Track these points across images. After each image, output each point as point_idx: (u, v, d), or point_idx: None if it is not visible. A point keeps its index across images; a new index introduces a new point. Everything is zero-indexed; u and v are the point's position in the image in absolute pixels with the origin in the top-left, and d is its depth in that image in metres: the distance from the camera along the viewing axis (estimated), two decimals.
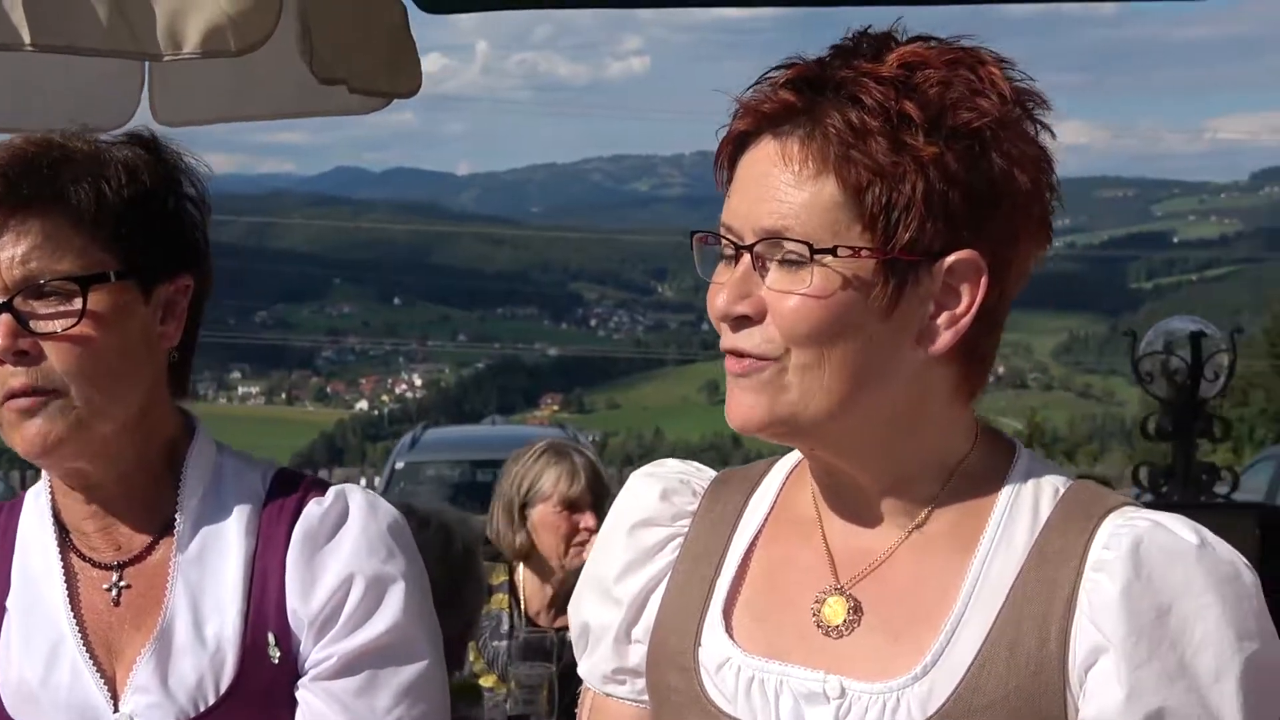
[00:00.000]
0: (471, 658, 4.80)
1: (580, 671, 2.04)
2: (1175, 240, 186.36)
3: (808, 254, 1.72)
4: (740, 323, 1.78)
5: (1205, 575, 1.73)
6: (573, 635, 2.05)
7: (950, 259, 1.74)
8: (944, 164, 1.71)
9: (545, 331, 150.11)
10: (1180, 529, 1.76)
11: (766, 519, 1.94)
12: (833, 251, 1.72)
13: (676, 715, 1.89)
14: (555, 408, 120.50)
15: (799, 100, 1.75)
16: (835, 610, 1.83)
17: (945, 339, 1.76)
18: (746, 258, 1.77)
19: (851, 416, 1.78)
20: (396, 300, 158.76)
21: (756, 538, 1.93)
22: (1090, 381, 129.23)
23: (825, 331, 1.74)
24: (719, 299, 1.78)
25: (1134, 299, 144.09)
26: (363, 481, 22.03)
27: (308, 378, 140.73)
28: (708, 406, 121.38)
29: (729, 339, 1.79)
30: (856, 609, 1.82)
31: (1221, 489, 7.50)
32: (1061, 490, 1.84)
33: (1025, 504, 1.83)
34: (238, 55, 2.88)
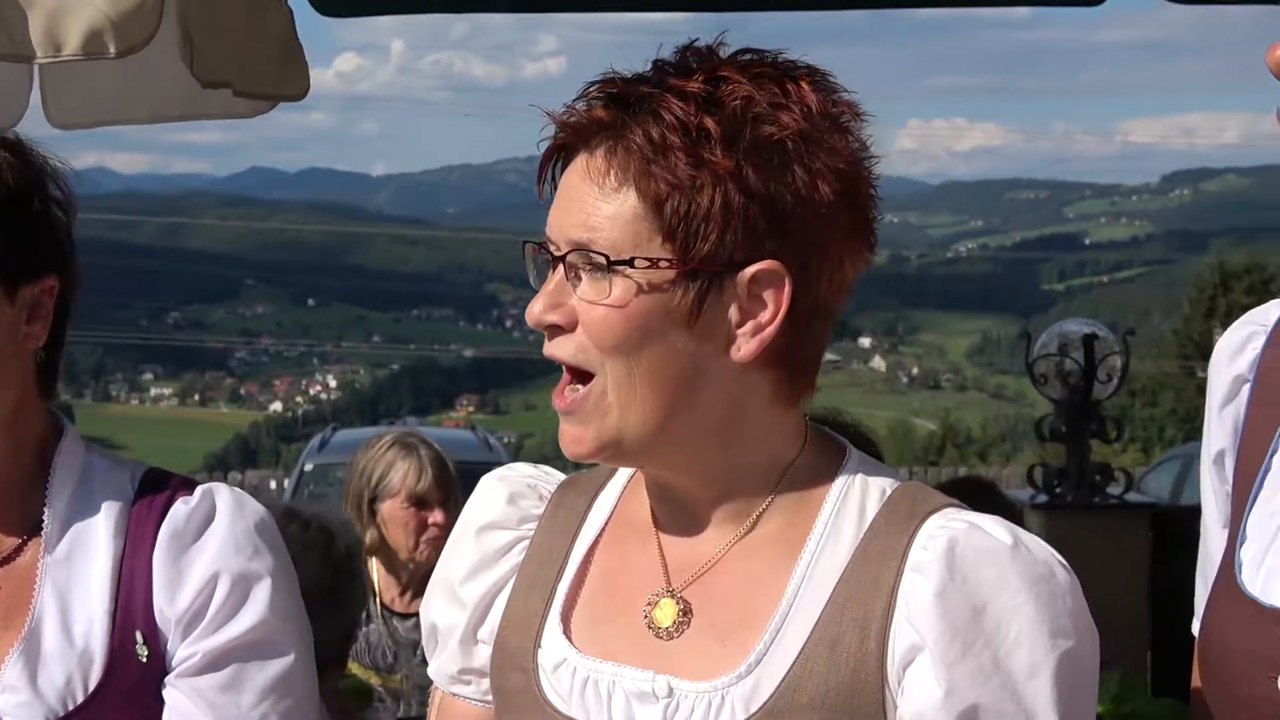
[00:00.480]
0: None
1: (429, 671, 2.08)
2: (1087, 242, 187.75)
3: (606, 264, 1.78)
4: (554, 331, 1.84)
5: (1019, 575, 1.76)
6: (423, 636, 2.09)
7: (752, 269, 1.78)
8: (742, 177, 1.75)
9: (461, 333, 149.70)
10: (995, 530, 1.79)
11: (607, 524, 1.98)
12: (630, 263, 1.77)
13: (516, 715, 1.93)
14: (471, 409, 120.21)
15: (607, 116, 1.80)
16: (665, 613, 1.87)
17: (751, 347, 1.80)
18: (560, 268, 1.83)
19: (671, 426, 1.82)
20: (311, 301, 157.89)
21: (596, 542, 1.97)
22: (1003, 382, 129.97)
23: (629, 341, 1.79)
24: (534, 308, 1.85)
25: (1046, 300, 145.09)
26: (273, 484, 21.90)
27: (221, 379, 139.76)
28: None
29: (546, 346, 1.85)
30: (686, 611, 1.86)
31: (1116, 490, 7.59)
32: (889, 492, 1.87)
33: (852, 506, 1.87)
34: (118, 58, 2.88)
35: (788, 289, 1.79)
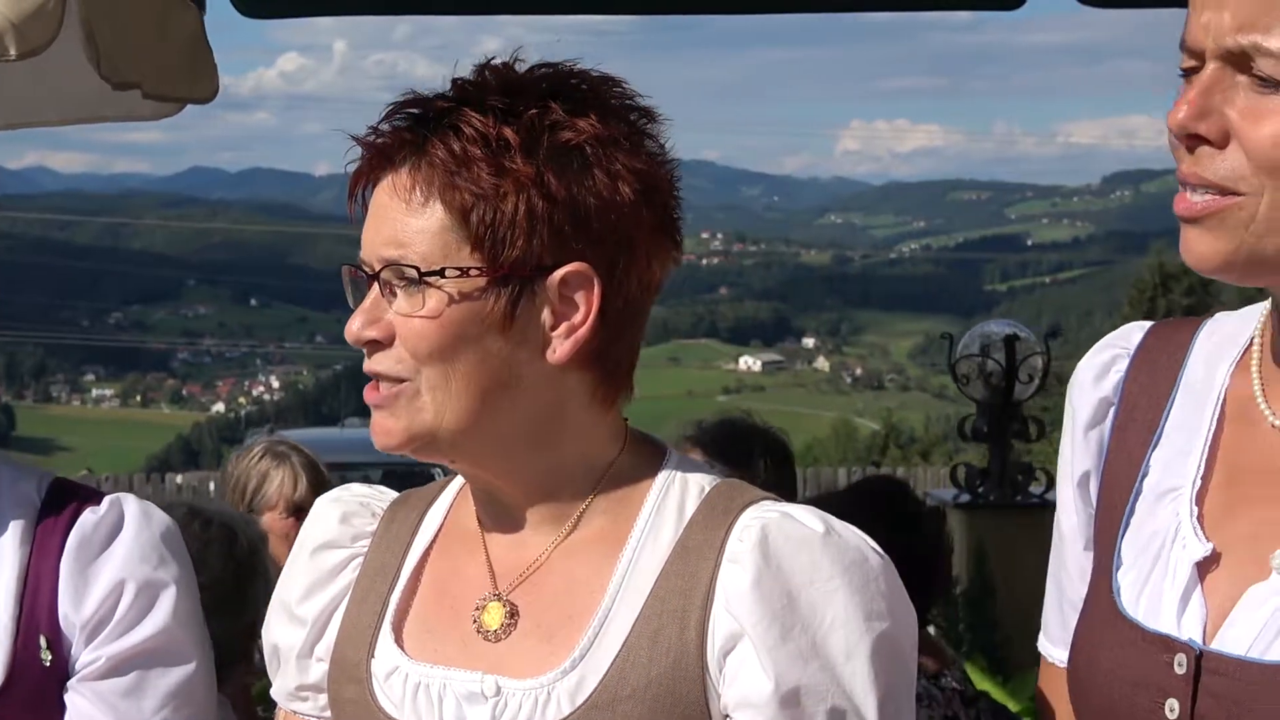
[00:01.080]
0: None
1: (272, 692, 2.12)
2: (1029, 243, 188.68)
3: (418, 277, 1.83)
4: (373, 346, 1.87)
5: (832, 561, 1.81)
6: (265, 657, 2.13)
7: (561, 272, 1.83)
8: (544, 183, 1.81)
9: None
10: (807, 518, 1.84)
11: (437, 534, 2.03)
12: (441, 273, 1.82)
13: None
14: None
15: (410, 134, 1.86)
16: (493, 616, 1.92)
17: (566, 348, 1.85)
18: (375, 285, 1.87)
19: (487, 428, 1.87)
20: (253, 302, 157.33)
21: (428, 553, 2.02)
22: (946, 383, 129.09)
23: (446, 349, 1.83)
24: (353, 325, 1.89)
25: (989, 300, 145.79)
26: (213, 486, 21.80)
27: (163, 380, 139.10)
28: None
29: (367, 363, 1.88)
30: (513, 613, 1.91)
31: (1037, 489, 7.66)
32: (707, 489, 1.92)
33: (672, 503, 1.91)
34: (18, 59, 2.88)
35: (598, 290, 1.85)
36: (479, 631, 1.92)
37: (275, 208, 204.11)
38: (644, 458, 1.96)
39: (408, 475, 15.86)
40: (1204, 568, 1.74)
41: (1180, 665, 1.70)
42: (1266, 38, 1.61)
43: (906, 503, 3.98)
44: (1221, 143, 1.65)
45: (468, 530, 2.00)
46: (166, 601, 2.27)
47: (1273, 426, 1.77)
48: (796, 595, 1.80)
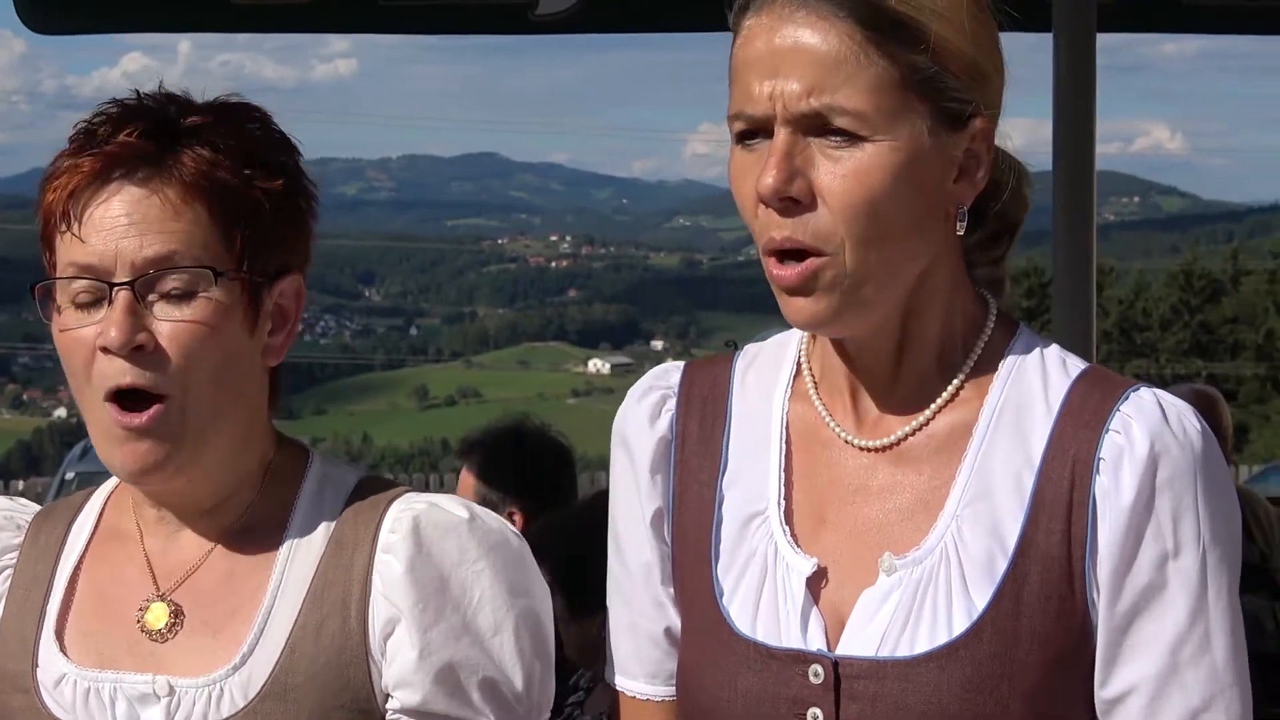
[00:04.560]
0: None
1: None
2: None
3: (196, 284, 1.90)
4: (136, 355, 1.90)
5: (478, 544, 1.97)
6: None
7: (283, 282, 1.99)
8: (273, 194, 1.95)
9: None
10: (452, 506, 1.99)
11: (90, 541, 2.07)
12: (214, 276, 1.90)
13: None
14: None
15: (147, 145, 1.92)
16: (157, 616, 1.98)
17: (279, 351, 2.02)
18: (125, 294, 1.89)
19: (226, 437, 1.97)
20: None
21: (82, 560, 2.06)
22: None
23: (211, 357, 1.91)
24: (111, 336, 1.89)
25: None
26: (51, 494, 21.49)
27: (3, 384, 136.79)
28: (416, 413, 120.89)
29: (127, 375, 1.90)
30: (178, 613, 1.98)
31: None
32: (353, 485, 2.04)
33: (321, 500, 2.02)
34: None
35: (303, 295, 2.02)
36: (144, 633, 1.98)
37: None
38: (293, 457, 2.06)
39: None
40: (813, 581, 1.84)
41: (817, 675, 1.80)
42: (836, 97, 1.72)
43: None
44: (810, 203, 1.75)
45: (124, 534, 2.06)
46: None
47: (846, 443, 1.89)
48: (448, 577, 1.95)
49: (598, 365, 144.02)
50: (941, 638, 1.78)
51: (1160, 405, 1.81)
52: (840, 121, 1.74)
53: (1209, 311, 56.49)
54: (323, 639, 1.94)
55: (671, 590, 1.98)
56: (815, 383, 1.94)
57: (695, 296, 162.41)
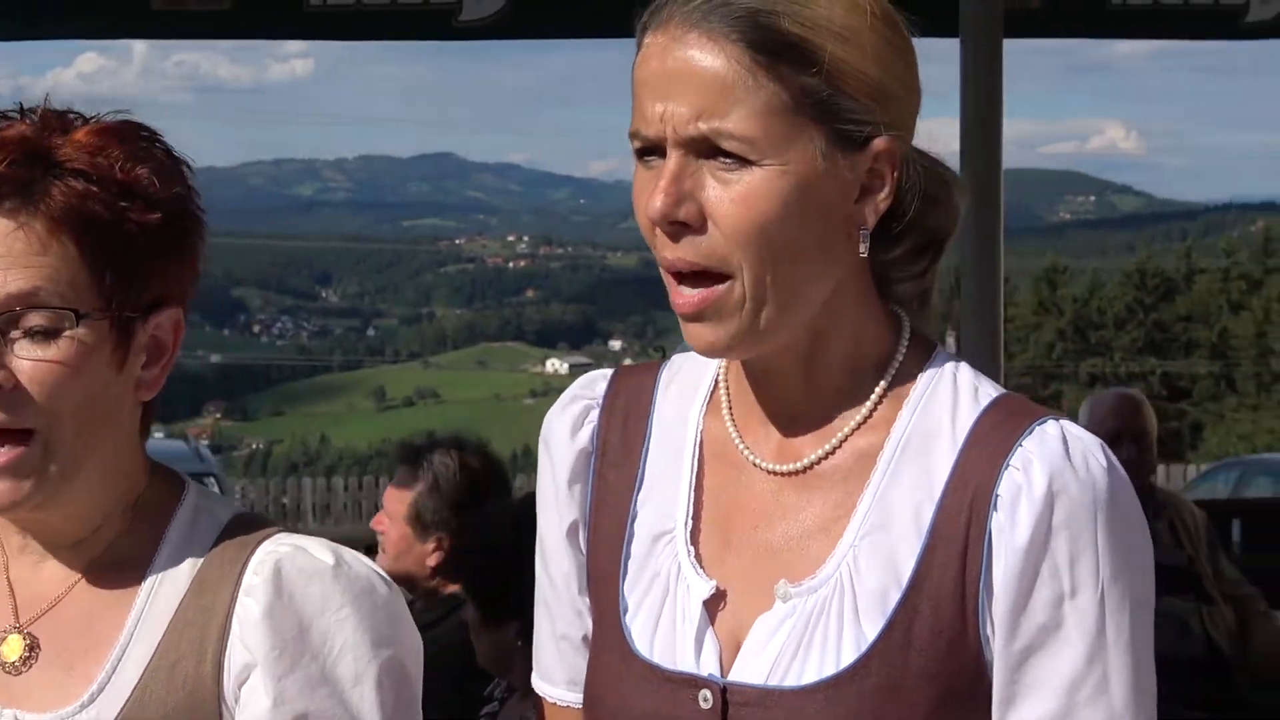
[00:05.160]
0: None
1: None
2: None
3: (60, 322, 1.85)
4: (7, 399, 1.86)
5: (342, 591, 1.91)
6: None
7: (159, 315, 1.94)
8: (149, 227, 1.89)
9: (207, 339, 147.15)
10: (318, 550, 1.93)
11: None
12: (75, 318, 1.85)
13: None
14: (218, 416, 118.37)
15: (20, 172, 1.86)
16: (12, 648, 1.94)
17: (153, 384, 1.96)
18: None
19: (92, 471, 1.92)
20: None
21: None
22: None
23: (74, 395, 1.86)
24: None
25: None
26: None
27: None
28: (374, 413, 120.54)
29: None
30: (34, 646, 1.94)
31: None
32: (225, 521, 1.99)
33: (189, 537, 1.97)
34: None
35: (181, 332, 1.97)
36: None
37: None
38: (166, 489, 2.01)
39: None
40: (711, 605, 1.82)
41: (706, 701, 1.78)
42: (725, 121, 1.70)
43: None
44: (700, 226, 1.74)
45: None
46: None
47: (754, 466, 1.86)
48: (308, 625, 1.88)
49: (556, 365, 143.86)
50: (829, 669, 1.75)
51: (1065, 441, 1.77)
52: (728, 145, 1.72)
53: (1163, 310, 56.68)
54: (175, 680, 1.89)
55: (587, 600, 1.97)
56: (729, 401, 1.92)
57: (653, 296, 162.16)
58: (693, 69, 1.73)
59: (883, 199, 1.80)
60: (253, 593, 1.90)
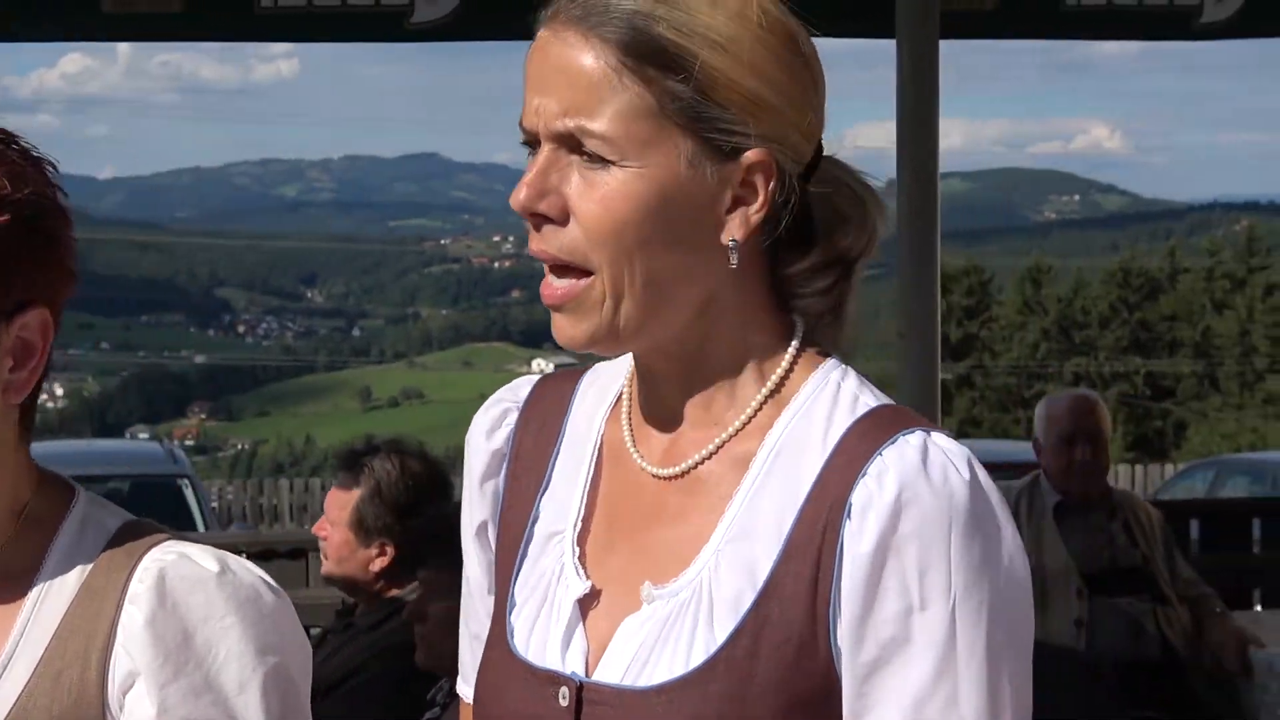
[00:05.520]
0: None
1: None
2: None
3: None
4: None
5: (226, 599, 1.89)
6: None
7: (25, 316, 1.92)
8: (3, 229, 1.87)
9: (192, 339, 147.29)
10: (203, 559, 1.92)
11: None
12: None
13: None
14: (203, 416, 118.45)
15: None
16: None
17: (21, 391, 1.94)
18: None
19: None
20: None
21: None
22: None
23: None
24: None
25: None
26: None
27: None
28: (360, 413, 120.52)
29: None
30: None
31: None
32: (114, 529, 1.97)
33: (76, 545, 1.96)
34: None
35: (51, 332, 1.95)
36: None
37: None
38: (55, 497, 2.00)
39: (155, 486, 15.61)
40: (586, 604, 1.84)
41: (564, 698, 1.79)
42: (589, 120, 1.72)
43: None
44: (562, 220, 1.75)
45: None
46: None
47: (642, 469, 1.87)
48: (192, 633, 1.88)
49: (541, 365, 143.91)
50: (678, 671, 1.75)
51: (925, 451, 1.75)
52: (590, 144, 1.74)
53: (1147, 309, 56.82)
54: (60, 688, 1.88)
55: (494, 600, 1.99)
56: (629, 406, 1.93)
57: None
58: (566, 66, 1.75)
59: (754, 211, 1.79)
60: (137, 601, 1.89)
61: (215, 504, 19.63)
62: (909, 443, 1.75)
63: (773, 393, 1.85)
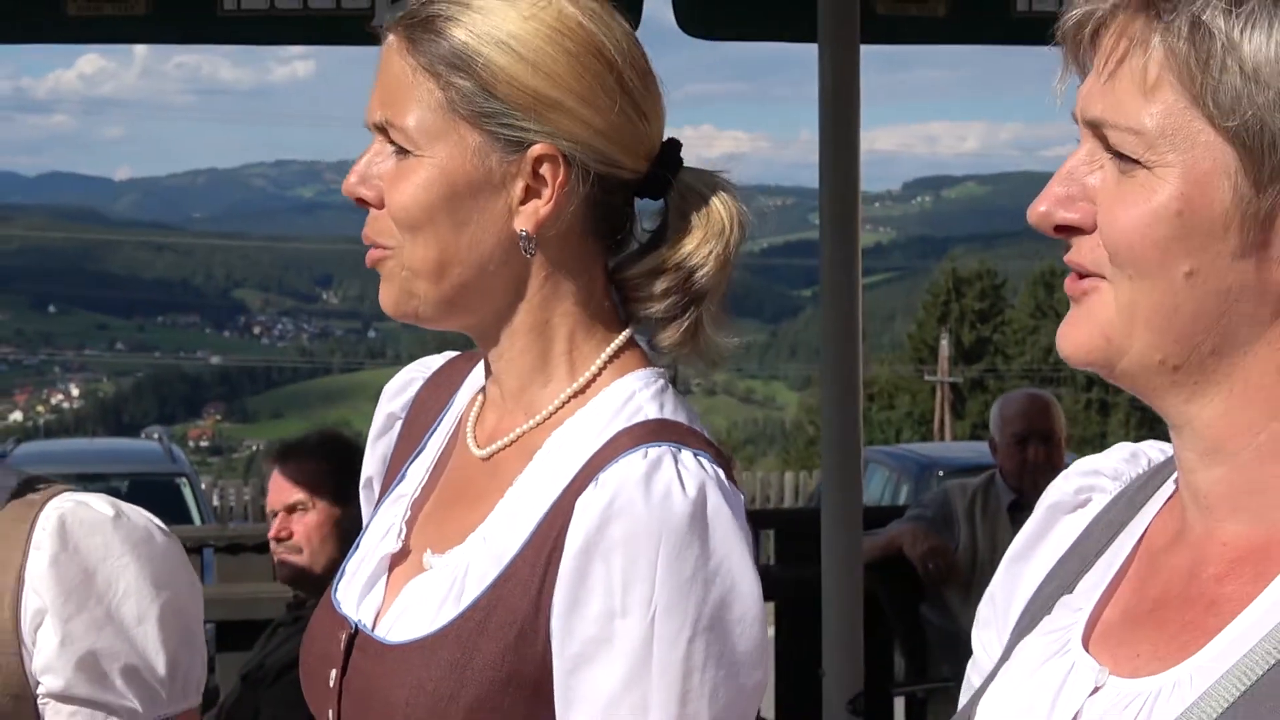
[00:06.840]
0: None
1: None
2: None
3: None
4: None
5: (122, 540, 2.16)
6: None
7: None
8: None
9: (207, 340, 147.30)
10: (99, 505, 2.18)
11: None
12: None
13: None
14: (218, 417, 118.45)
15: None
16: None
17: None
18: None
19: None
20: (51, 309, 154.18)
21: None
22: (752, 386, 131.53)
23: None
24: None
25: (794, 306, 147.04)
26: None
27: None
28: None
29: None
30: None
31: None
32: (12, 486, 2.20)
33: None
34: None
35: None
36: None
37: (75, 213, 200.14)
38: None
39: (154, 485, 15.65)
40: (395, 562, 2.00)
41: (341, 642, 1.96)
42: (393, 114, 1.95)
43: None
44: (379, 204, 1.99)
45: None
46: None
47: (468, 446, 2.03)
48: (93, 572, 2.12)
49: None
50: (415, 634, 1.90)
51: (656, 466, 1.82)
52: (393, 136, 1.94)
53: None
54: None
55: None
56: (484, 399, 2.08)
57: None
58: (385, 67, 1.95)
59: (543, 205, 1.92)
60: (41, 545, 2.11)
61: (217, 504, 19.73)
62: (646, 456, 1.84)
63: (578, 391, 1.97)
